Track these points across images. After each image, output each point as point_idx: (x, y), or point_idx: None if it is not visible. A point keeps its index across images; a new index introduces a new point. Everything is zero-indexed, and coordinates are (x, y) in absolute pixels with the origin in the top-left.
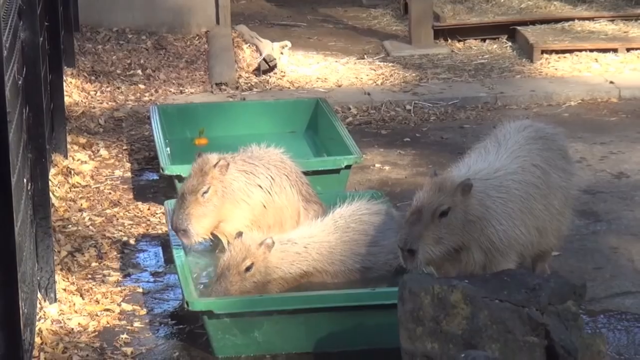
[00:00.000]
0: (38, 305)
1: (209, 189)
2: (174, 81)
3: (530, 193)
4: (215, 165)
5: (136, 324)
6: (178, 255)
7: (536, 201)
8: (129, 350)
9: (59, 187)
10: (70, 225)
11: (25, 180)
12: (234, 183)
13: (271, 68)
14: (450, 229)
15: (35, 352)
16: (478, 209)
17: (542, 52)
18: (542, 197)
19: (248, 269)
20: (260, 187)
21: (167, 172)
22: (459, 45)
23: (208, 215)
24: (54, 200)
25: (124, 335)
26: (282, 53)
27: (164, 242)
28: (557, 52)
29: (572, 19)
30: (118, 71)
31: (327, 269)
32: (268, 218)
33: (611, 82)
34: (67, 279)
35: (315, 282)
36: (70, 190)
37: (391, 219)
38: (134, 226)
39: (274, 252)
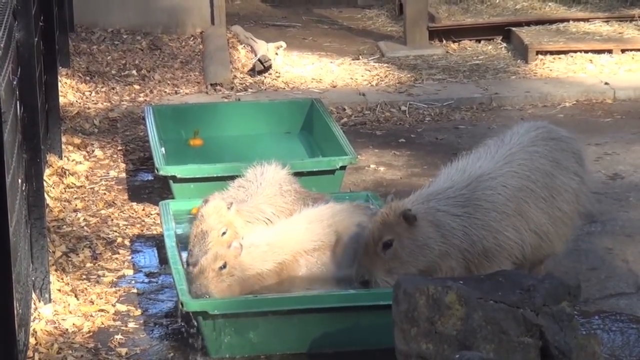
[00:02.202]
0: (32, 306)
1: (227, 230)
2: (168, 82)
3: (520, 197)
4: (229, 208)
5: (131, 325)
6: (172, 255)
7: (530, 204)
8: (123, 350)
9: (53, 188)
10: (64, 226)
11: (19, 180)
12: (241, 231)
13: (266, 69)
14: (399, 258)
15: (29, 353)
16: (431, 232)
17: (537, 53)
18: (541, 200)
19: (222, 267)
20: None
21: (161, 173)
22: (454, 46)
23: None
24: (48, 200)
25: (119, 336)
26: (277, 54)
27: (159, 243)
28: (552, 53)
29: (567, 20)
30: (113, 71)
31: (299, 258)
32: None
33: (606, 83)
34: (62, 279)
35: (296, 271)
36: (65, 191)
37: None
38: (129, 227)
39: (244, 254)
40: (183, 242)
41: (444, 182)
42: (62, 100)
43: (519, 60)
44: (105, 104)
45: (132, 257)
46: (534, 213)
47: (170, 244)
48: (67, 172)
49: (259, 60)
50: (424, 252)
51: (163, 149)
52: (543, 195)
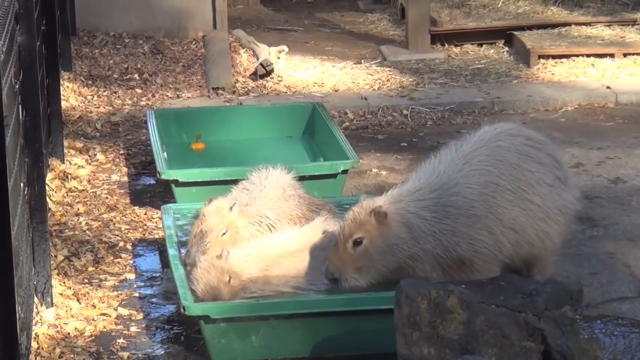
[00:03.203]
0: (34, 310)
1: (227, 231)
2: (170, 85)
3: (486, 193)
4: (230, 209)
5: (133, 329)
6: (174, 260)
7: (498, 199)
8: (125, 355)
9: (55, 192)
10: (67, 230)
11: (22, 184)
12: (243, 231)
13: (268, 73)
14: (369, 257)
15: (31, 357)
16: (402, 232)
17: (539, 57)
18: (508, 193)
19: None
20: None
21: (163, 177)
22: (456, 50)
23: None
24: (50, 204)
25: (121, 340)
26: (279, 58)
27: (161, 247)
28: (554, 57)
29: (569, 24)
30: (115, 75)
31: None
32: None
33: (608, 87)
34: (64, 283)
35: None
36: (67, 195)
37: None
38: (131, 231)
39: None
40: (185, 246)
41: (413, 183)
42: (64, 104)
43: (520, 65)
44: (107, 107)
45: (134, 261)
46: (504, 207)
47: (171, 247)
48: (69, 176)
49: (261, 64)
50: (394, 251)
51: (165, 153)
52: (510, 187)
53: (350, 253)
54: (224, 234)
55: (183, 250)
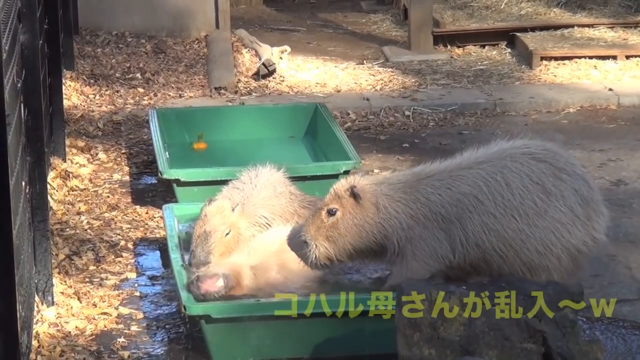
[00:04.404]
0: (35, 309)
1: (230, 232)
2: (173, 85)
3: (466, 206)
4: (233, 210)
5: (133, 328)
6: (175, 259)
7: (475, 219)
8: (126, 354)
9: (57, 191)
10: (68, 229)
11: (23, 183)
12: (245, 232)
13: (270, 73)
14: (338, 229)
15: (32, 356)
16: (371, 214)
17: (542, 58)
18: (492, 218)
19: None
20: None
21: (165, 176)
22: (458, 51)
23: (226, 256)
24: (52, 203)
25: (121, 339)
26: (281, 58)
27: (162, 246)
28: (556, 58)
29: (572, 26)
30: (117, 75)
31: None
32: None
33: (610, 89)
34: (65, 282)
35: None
36: (69, 194)
37: None
38: (132, 230)
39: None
40: (186, 246)
41: (404, 172)
42: (66, 103)
43: (523, 66)
44: (109, 107)
45: (135, 260)
46: (478, 227)
47: (173, 247)
48: (70, 175)
49: (263, 64)
50: (360, 232)
51: (167, 152)
52: (494, 212)
53: (324, 221)
54: (227, 234)
55: (187, 256)
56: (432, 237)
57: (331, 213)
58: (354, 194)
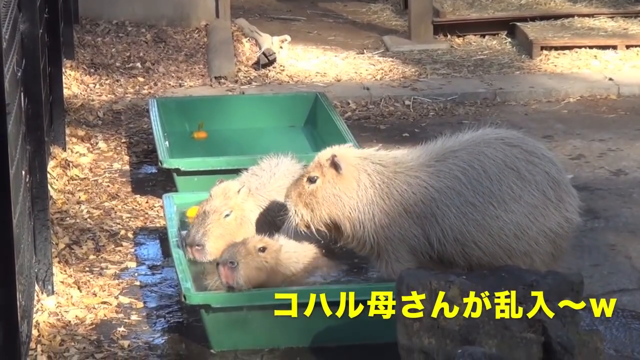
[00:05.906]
0: (35, 298)
1: (230, 213)
2: (173, 74)
3: (435, 203)
4: (238, 192)
5: (133, 317)
6: (175, 248)
7: (452, 211)
8: (125, 343)
9: (57, 180)
10: (68, 218)
11: (23, 172)
12: (250, 214)
13: (270, 62)
14: (316, 197)
15: (32, 344)
16: (350, 188)
17: (542, 48)
18: (471, 208)
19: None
20: (273, 222)
21: (165, 166)
22: (459, 40)
23: (224, 237)
24: (52, 192)
25: (121, 328)
26: (281, 47)
27: (162, 236)
28: (556, 48)
29: (572, 16)
30: (117, 64)
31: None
32: None
33: (610, 79)
34: (65, 271)
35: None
36: (69, 183)
37: None
38: (132, 219)
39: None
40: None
41: (386, 154)
42: (66, 92)
43: (523, 56)
44: (109, 96)
45: (135, 250)
46: (456, 220)
47: (173, 236)
48: (70, 164)
49: (263, 53)
50: (337, 204)
51: (167, 141)
52: (473, 200)
53: (305, 187)
54: (227, 215)
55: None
56: (411, 236)
57: (312, 180)
58: (335, 164)
